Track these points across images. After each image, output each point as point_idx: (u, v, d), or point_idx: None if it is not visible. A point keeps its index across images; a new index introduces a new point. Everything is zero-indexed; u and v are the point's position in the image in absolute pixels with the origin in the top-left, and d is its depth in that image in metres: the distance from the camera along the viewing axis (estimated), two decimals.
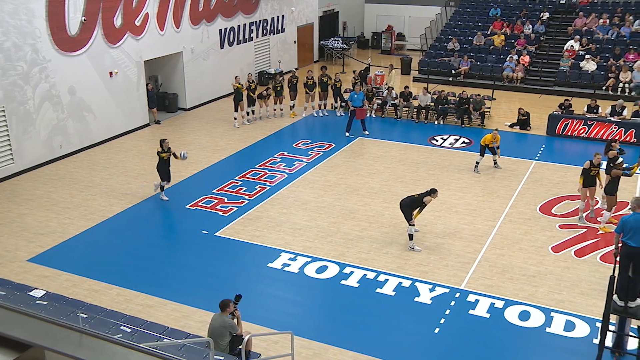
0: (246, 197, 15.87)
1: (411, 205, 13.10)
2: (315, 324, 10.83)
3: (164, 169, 15.38)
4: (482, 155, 17.34)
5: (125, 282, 11.95)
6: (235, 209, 15.21)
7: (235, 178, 17.04)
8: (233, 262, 12.92)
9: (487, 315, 10.96)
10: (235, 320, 8.93)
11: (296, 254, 13.03)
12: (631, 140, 19.38)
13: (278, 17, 28.52)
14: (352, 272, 12.33)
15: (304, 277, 12.24)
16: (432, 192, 13.11)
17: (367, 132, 20.64)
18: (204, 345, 8.33)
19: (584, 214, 14.59)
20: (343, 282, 12.04)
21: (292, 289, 11.97)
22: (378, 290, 11.75)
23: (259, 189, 16.38)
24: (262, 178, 17.09)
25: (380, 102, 23.01)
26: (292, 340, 9.32)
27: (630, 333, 9.50)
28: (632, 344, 9.55)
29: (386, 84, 24.54)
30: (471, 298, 11.46)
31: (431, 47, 29.94)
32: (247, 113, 21.97)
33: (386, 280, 12.06)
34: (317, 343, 10.18)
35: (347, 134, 20.48)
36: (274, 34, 28.40)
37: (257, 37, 27.19)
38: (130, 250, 13.30)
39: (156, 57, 21.76)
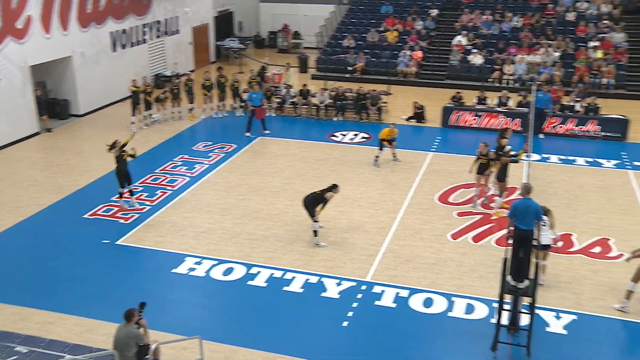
0: (147, 202, 15.48)
1: (314, 202, 13.25)
2: (223, 326, 10.74)
3: (123, 171, 14.77)
4: (380, 149, 17.79)
5: (20, 300, 11.32)
6: (137, 215, 14.79)
7: (135, 184, 16.55)
8: (137, 270, 12.58)
9: (394, 305, 11.28)
10: (141, 329, 8.71)
11: (201, 258, 12.86)
12: (518, 129, 20.50)
13: (172, 18, 27.92)
14: (259, 272, 12.32)
15: (211, 281, 12.11)
16: (334, 187, 13.33)
17: (267, 132, 20.65)
18: (109, 359, 8.07)
19: (478, 201, 15.33)
20: (250, 282, 12.01)
21: (199, 293, 11.81)
22: (285, 288, 11.81)
23: (160, 193, 16.02)
24: (163, 183, 16.72)
25: (279, 100, 23.09)
26: (201, 345, 9.22)
27: (523, 310, 10.09)
28: (524, 320, 10.12)
29: (284, 83, 24.67)
30: (377, 289, 11.75)
31: (327, 44, 30.35)
32: (145, 117, 21.42)
33: (293, 277, 12.15)
34: (226, 346, 10.11)
35: (247, 134, 20.40)
36: (168, 35, 27.79)
37: (151, 39, 26.49)
38: (25, 266, 12.62)
39: (43, 62, 20.74)
